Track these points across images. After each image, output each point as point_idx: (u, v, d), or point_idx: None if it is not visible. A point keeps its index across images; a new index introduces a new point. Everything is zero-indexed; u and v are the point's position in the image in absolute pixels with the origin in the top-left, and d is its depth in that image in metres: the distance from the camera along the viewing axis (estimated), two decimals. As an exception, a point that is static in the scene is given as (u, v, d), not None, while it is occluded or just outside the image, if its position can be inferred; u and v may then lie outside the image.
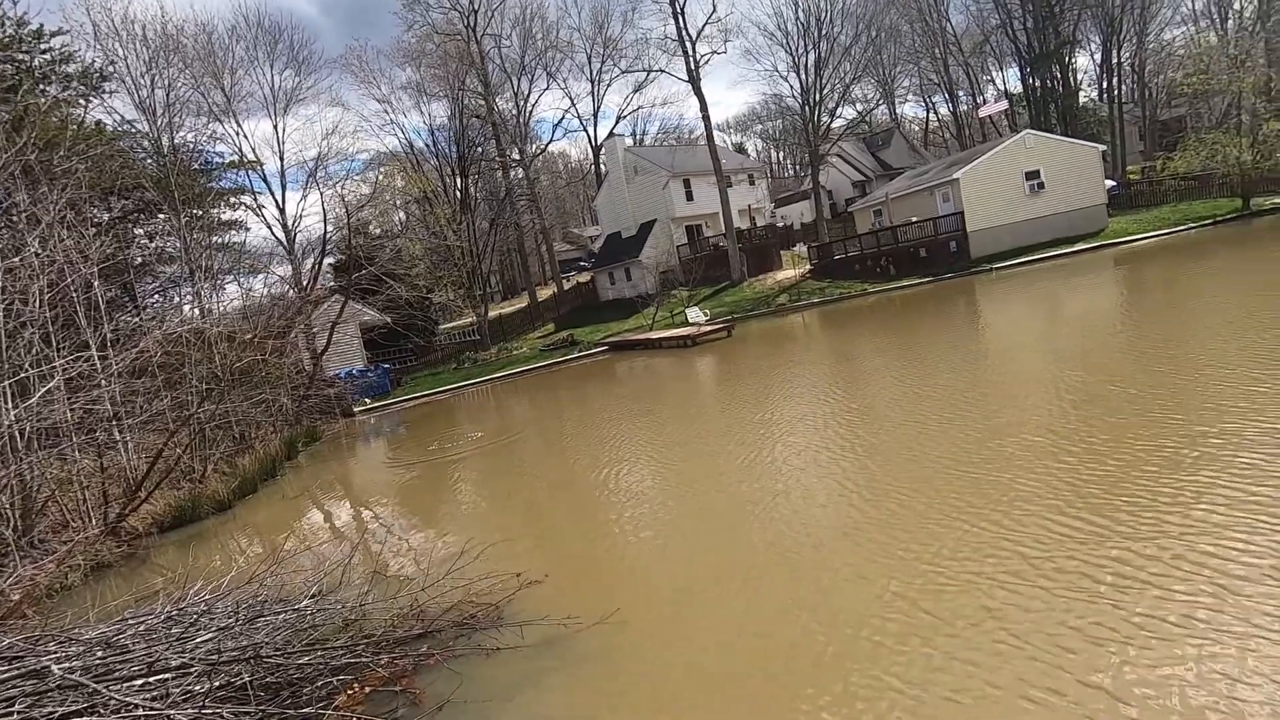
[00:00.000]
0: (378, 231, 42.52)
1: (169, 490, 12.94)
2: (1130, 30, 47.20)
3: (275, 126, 33.66)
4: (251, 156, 32.45)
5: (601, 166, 52.59)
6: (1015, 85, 53.80)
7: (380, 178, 40.48)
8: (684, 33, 37.92)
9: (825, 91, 41.85)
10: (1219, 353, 9.74)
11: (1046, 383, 10.21)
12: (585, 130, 57.32)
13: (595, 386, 22.26)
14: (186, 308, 22.15)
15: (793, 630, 4.97)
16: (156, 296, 25.69)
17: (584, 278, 49.76)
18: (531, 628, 5.60)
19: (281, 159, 33.74)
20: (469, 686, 5.00)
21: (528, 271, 52.30)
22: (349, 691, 5.19)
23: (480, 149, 45.28)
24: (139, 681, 5.05)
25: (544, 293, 48.14)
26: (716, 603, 5.68)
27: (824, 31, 40.61)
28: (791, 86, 43.52)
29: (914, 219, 34.21)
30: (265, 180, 34.53)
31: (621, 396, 19.21)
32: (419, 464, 14.82)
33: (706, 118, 39.28)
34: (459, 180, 43.25)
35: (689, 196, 43.52)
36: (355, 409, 27.17)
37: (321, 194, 32.82)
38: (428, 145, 44.57)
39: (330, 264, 36.19)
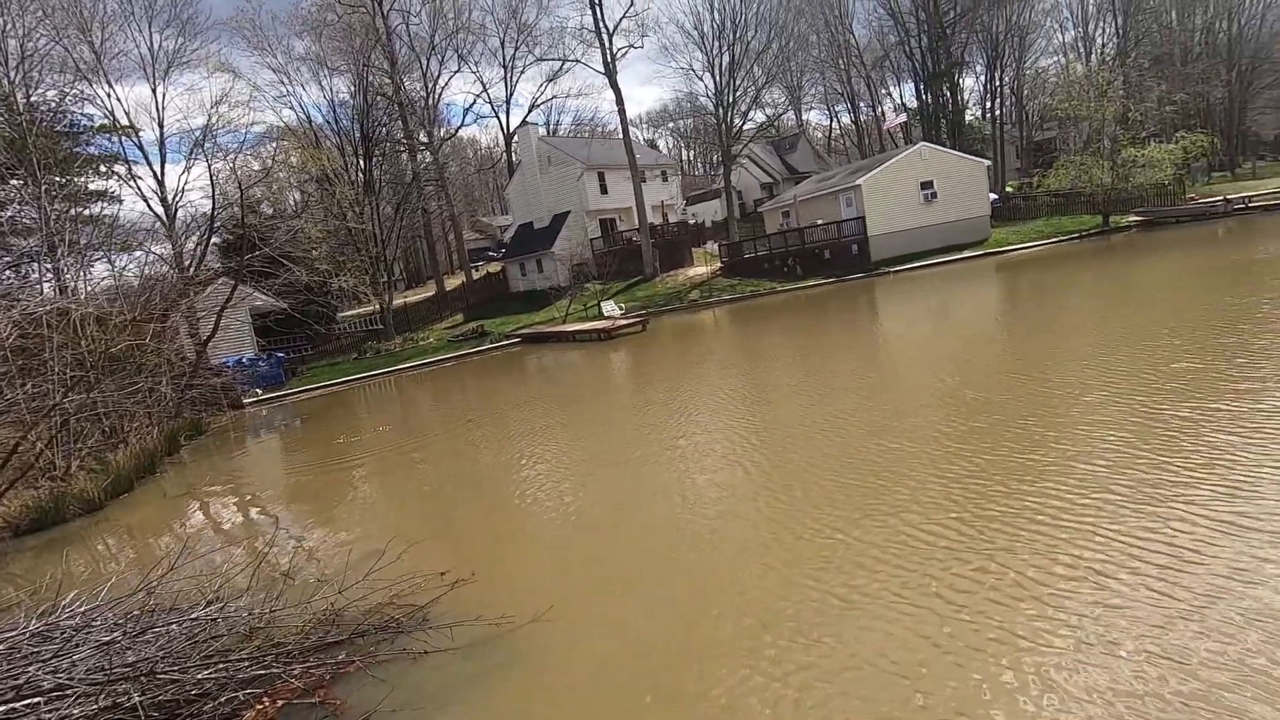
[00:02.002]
0: (270, 211, 39.56)
1: (25, 489, 11.53)
2: (1010, 57, 51.34)
3: (154, 90, 30.75)
4: (125, 121, 29.43)
5: (514, 155, 51.41)
6: (911, 100, 57.22)
7: (276, 153, 37.71)
8: (601, 24, 37.68)
9: (738, 94, 42.81)
10: (1071, 365, 10.63)
11: (925, 388, 10.78)
12: (497, 117, 56.18)
13: (509, 379, 21.75)
14: (47, 286, 19.74)
15: (716, 623, 5.01)
16: (9, 273, 22.76)
17: (494, 268, 48.53)
18: (461, 629, 5.35)
19: (161, 127, 30.89)
20: (397, 694, 4.70)
21: (435, 260, 50.30)
22: (259, 706, 4.78)
23: (386, 129, 43.08)
24: (2, 709, 4.43)
25: (452, 282, 46.58)
26: (646, 596, 5.65)
27: (738, 35, 41.49)
28: (706, 86, 44.27)
29: (819, 221, 35.66)
30: (142, 149, 31.20)
31: (537, 390, 18.86)
32: (319, 459, 13.93)
33: (622, 111, 39.28)
34: (362, 161, 40.99)
35: (603, 189, 43.32)
36: (245, 400, 25.30)
37: (210, 166, 30.06)
38: (328, 121, 42.01)
39: (217, 244, 33.44)
